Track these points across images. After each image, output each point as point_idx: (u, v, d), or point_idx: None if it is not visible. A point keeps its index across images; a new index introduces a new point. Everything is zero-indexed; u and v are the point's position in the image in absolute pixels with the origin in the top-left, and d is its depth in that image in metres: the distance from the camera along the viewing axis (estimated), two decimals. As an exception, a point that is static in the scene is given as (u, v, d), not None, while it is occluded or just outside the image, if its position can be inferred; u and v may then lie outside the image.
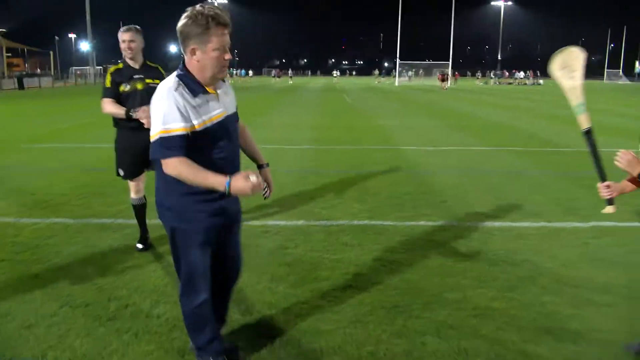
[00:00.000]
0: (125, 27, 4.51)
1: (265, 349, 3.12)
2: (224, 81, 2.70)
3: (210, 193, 2.53)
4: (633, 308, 3.69)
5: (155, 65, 4.67)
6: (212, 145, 2.57)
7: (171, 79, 2.53)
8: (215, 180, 2.42)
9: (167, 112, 2.44)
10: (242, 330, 3.37)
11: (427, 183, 7.62)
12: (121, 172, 4.70)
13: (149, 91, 4.20)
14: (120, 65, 4.57)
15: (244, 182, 2.38)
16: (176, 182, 2.52)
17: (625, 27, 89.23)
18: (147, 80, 4.47)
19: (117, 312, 3.55)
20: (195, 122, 2.48)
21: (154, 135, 2.48)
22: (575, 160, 9.73)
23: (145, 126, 4.15)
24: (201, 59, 2.48)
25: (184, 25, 2.45)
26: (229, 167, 2.58)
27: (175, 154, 2.44)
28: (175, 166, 2.45)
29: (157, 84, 4.12)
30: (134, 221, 4.95)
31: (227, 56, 2.51)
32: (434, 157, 9.87)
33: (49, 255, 4.70)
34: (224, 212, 2.69)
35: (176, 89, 2.46)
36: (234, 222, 2.85)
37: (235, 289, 3.22)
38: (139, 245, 4.81)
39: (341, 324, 3.41)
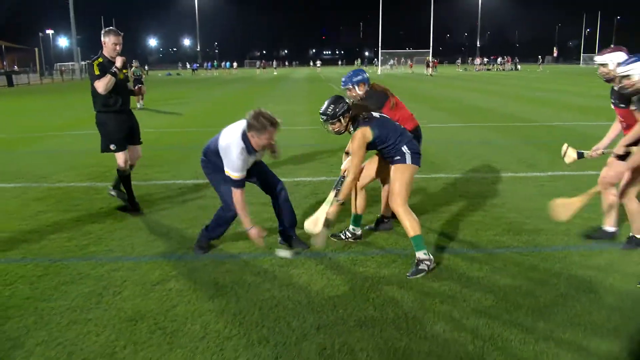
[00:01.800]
0: (114, 31, 5.68)
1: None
2: None
3: None
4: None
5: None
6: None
7: (239, 139, 4.08)
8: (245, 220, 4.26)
9: (237, 164, 4.09)
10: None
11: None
12: (112, 147, 5.79)
13: (125, 79, 5.76)
14: (101, 60, 5.64)
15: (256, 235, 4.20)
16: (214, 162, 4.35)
17: (599, 12, 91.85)
18: (124, 71, 5.71)
19: (194, 222, 5.03)
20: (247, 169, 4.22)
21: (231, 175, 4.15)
22: (538, 131, 11.43)
23: (118, 65, 5.49)
24: (257, 141, 4.06)
25: (251, 118, 4.03)
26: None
27: (239, 187, 4.19)
28: (236, 193, 4.19)
29: (126, 73, 5.91)
30: (188, 181, 6.41)
31: (273, 142, 4.14)
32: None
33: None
34: None
35: (243, 150, 4.07)
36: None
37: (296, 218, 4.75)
38: (128, 205, 5.85)
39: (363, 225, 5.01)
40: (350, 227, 4.81)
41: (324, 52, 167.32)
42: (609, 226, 4.69)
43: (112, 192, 5.94)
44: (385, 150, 4.23)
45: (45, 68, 64.47)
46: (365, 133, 4.11)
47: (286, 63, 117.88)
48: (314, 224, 4.26)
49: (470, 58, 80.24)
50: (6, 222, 5.60)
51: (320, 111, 4.21)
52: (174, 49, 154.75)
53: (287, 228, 4.69)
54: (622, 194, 4.33)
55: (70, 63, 65.10)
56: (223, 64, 71.35)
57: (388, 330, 3.20)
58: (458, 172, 7.56)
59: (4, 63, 75.38)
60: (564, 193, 6.24)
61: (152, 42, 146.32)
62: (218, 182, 4.40)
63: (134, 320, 3.42)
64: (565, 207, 4.26)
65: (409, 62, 67.84)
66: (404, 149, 4.15)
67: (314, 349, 3.02)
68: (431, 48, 59.38)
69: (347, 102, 4.20)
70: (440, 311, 3.42)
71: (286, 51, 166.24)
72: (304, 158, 8.75)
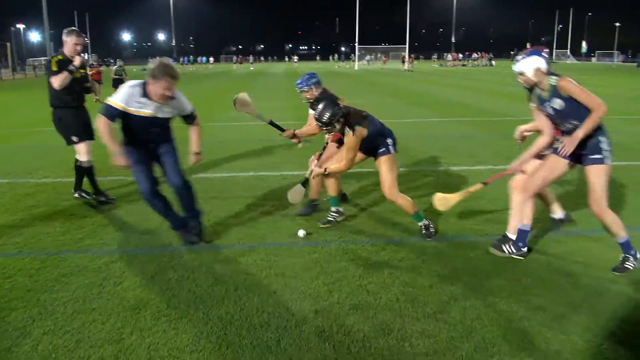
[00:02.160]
0: (76, 32, 5.83)
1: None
2: (172, 99, 4.43)
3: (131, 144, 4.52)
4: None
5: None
6: (131, 124, 4.40)
7: (139, 82, 4.34)
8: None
9: (120, 94, 4.29)
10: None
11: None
12: (75, 139, 5.96)
13: (82, 78, 5.93)
14: (61, 57, 5.79)
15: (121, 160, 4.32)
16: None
17: (571, 9, 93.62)
18: (81, 70, 5.90)
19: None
20: (128, 107, 4.31)
21: (107, 100, 4.33)
22: (513, 125, 11.73)
23: (76, 64, 5.69)
24: (153, 89, 4.30)
25: (154, 65, 4.28)
26: (135, 140, 4.49)
27: (106, 115, 4.29)
28: (100, 120, 4.29)
29: (84, 72, 6.15)
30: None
31: (168, 93, 4.27)
32: (400, 127, 11.67)
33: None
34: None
35: (135, 86, 4.31)
36: (158, 152, 4.62)
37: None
38: (102, 198, 6.06)
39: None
40: (332, 208, 5.17)
41: (300, 48, 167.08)
42: (557, 214, 4.90)
43: (76, 195, 6.13)
44: (372, 143, 4.58)
45: (17, 63, 63.09)
46: (362, 132, 4.42)
47: (262, 58, 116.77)
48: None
49: (445, 54, 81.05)
50: (-2, 217, 5.65)
51: (315, 117, 4.40)
52: (148, 44, 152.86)
53: (185, 217, 4.82)
54: (523, 187, 4.31)
55: (42, 58, 63.79)
56: (199, 59, 70.89)
57: (382, 313, 3.40)
58: (438, 165, 7.82)
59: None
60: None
61: (126, 36, 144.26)
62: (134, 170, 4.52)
63: (138, 308, 3.55)
64: (445, 200, 4.71)
65: (383, 57, 68.12)
66: (388, 140, 4.65)
67: (314, 331, 3.19)
68: (407, 44, 59.86)
69: (340, 108, 4.39)
70: (429, 294, 3.64)
71: (262, 46, 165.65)
72: (288, 152, 8.93)
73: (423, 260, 4.23)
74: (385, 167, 4.58)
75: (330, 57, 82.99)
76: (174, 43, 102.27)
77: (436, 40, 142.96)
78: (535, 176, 4.21)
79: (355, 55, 63.77)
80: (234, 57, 75.47)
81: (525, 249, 4.28)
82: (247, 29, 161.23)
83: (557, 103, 3.97)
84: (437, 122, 12.85)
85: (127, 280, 4.00)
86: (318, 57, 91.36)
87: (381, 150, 4.59)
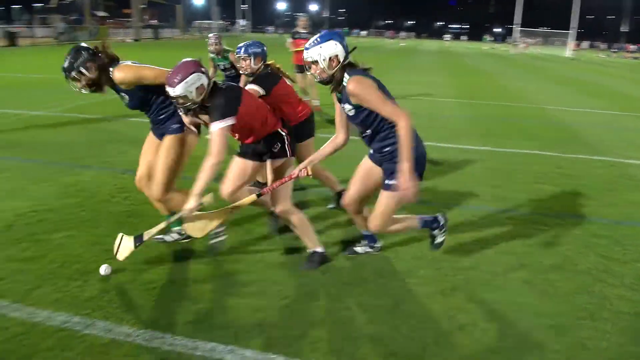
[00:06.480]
0: None
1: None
2: None
3: None
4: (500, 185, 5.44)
5: None
6: None
7: None
8: None
9: None
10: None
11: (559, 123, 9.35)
12: None
13: None
14: None
15: None
16: None
17: None
18: None
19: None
20: None
21: None
22: None
23: None
24: None
25: None
26: None
27: None
28: None
29: None
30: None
31: None
32: (574, 116, 11.41)
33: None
34: None
35: None
36: None
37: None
38: None
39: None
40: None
41: (450, 26, 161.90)
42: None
43: None
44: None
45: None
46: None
47: (413, 34, 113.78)
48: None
49: (612, 44, 73.71)
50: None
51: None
52: (299, 14, 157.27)
53: None
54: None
55: (206, 21, 68.89)
56: (353, 31, 72.51)
57: (581, 276, 3.80)
58: (620, 157, 7.68)
59: (144, 17, 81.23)
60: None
61: (281, 5, 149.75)
62: None
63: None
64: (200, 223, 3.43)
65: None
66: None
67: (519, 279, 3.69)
68: (575, 30, 55.65)
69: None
70: (625, 268, 3.97)
71: (412, 22, 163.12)
72: (455, 130, 9.24)
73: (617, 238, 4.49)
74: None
75: (487, 37, 79.03)
76: (326, 14, 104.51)
77: (603, 28, 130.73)
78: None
79: (512, 37, 60.64)
80: (386, 32, 75.94)
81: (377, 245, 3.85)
82: (398, 3, 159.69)
83: (347, 109, 3.16)
84: (613, 115, 12.20)
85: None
86: (492, 36, 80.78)
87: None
